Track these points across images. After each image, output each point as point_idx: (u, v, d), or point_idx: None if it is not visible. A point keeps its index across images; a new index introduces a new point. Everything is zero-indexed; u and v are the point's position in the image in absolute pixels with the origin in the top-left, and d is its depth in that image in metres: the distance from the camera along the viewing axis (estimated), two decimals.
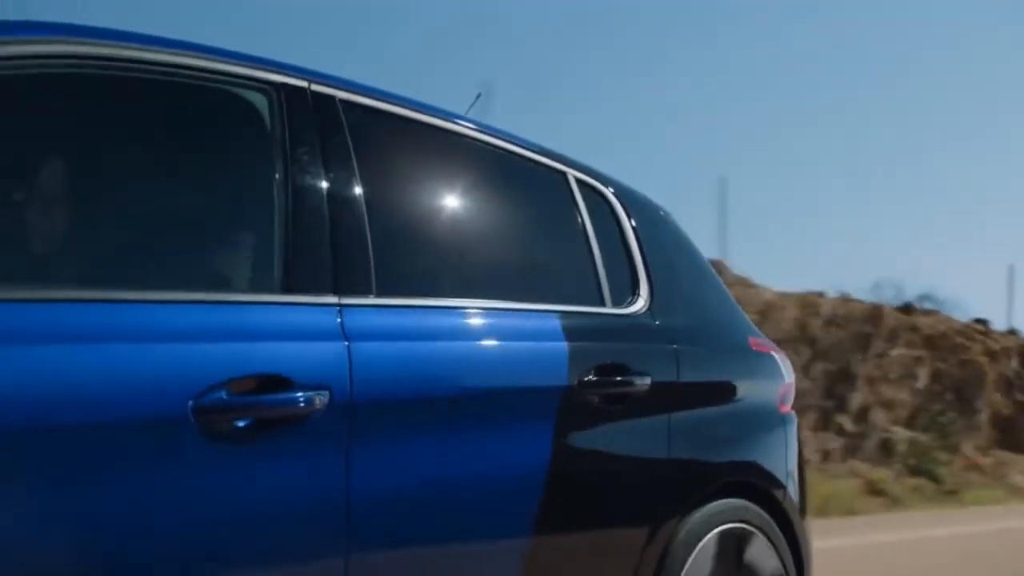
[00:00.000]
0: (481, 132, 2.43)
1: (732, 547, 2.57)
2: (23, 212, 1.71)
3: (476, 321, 2.16)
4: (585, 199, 2.61)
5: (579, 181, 2.64)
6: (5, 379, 1.47)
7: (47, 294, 1.58)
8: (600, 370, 2.32)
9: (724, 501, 2.57)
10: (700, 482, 2.52)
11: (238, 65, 1.98)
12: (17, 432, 1.47)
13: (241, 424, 1.69)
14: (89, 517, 1.53)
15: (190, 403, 1.63)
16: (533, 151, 2.55)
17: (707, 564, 2.49)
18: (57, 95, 1.76)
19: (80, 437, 1.52)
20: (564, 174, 2.61)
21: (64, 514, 1.50)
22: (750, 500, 2.65)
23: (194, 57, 1.91)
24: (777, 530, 2.71)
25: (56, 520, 1.50)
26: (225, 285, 1.88)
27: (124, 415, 1.57)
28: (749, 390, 2.80)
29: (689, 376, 2.57)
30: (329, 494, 1.79)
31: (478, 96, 2.91)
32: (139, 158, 1.86)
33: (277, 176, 1.94)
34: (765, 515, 2.68)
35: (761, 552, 2.65)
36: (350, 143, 2.08)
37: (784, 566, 2.71)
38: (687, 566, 2.44)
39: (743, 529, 2.60)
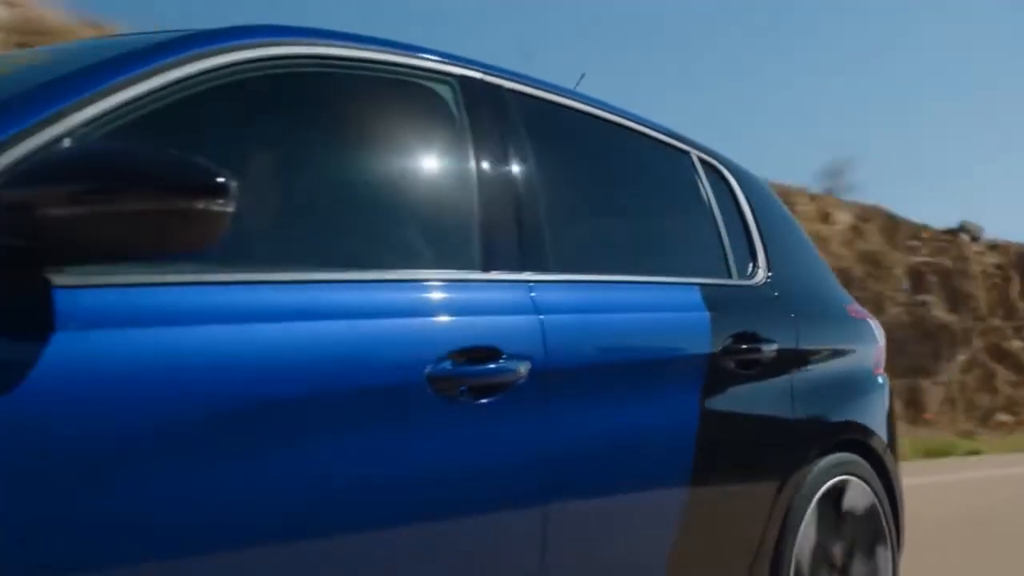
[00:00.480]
0: (622, 116, 2.61)
1: (844, 497, 2.80)
2: (276, 201, 1.89)
3: (634, 294, 2.36)
4: (708, 177, 2.81)
5: (701, 160, 2.83)
6: (285, 351, 1.66)
7: (311, 276, 1.77)
8: (735, 338, 2.53)
9: (836, 455, 2.79)
10: (818, 439, 2.75)
11: (426, 60, 2.15)
12: (290, 400, 1.65)
13: (463, 390, 1.89)
14: (350, 470, 1.72)
15: (425, 372, 1.83)
16: (664, 133, 2.74)
17: (824, 514, 2.72)
18: (288, 91, 1.94)
19: (341, 402, 1.72)
20: (688, 154, 2.81)
21: (332, 466, 1.69)
22: (856, 454, 2.88)
23: (392, 53, 2.08)
24: (879, 481, 2.94)
25: (324, 472, 1.68)
26: (441, 265, 2.06)
27: (376, 383, 1.76)
28: (853, 354, 3.03)
29: (806, 343, 2.78)
30: (531, 451, 2.00)
31: (582, 76, 3.09)
32: (360, 149, 2.04)
33: (467, 162, 2.12)
34: (869, 467, 2.91)
35: (867, 501, 2.89)
36: (519, 129, 2.26)
37: (884, 514, 2.95)
38: (807, 516, 2.67)
39: (852, 481, 2.83)
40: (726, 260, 2.73)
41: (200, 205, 1.43)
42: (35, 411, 1.36)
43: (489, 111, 2.21)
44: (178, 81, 1.68)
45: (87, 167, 1.41)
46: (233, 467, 1.56)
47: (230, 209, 1.46)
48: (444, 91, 2.18)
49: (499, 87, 2.28)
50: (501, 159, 2.18)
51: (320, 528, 1.67)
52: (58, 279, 1.42)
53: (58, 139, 1.50)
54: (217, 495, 1.54)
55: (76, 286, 1.44)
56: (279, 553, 1.62)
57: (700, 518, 2.37)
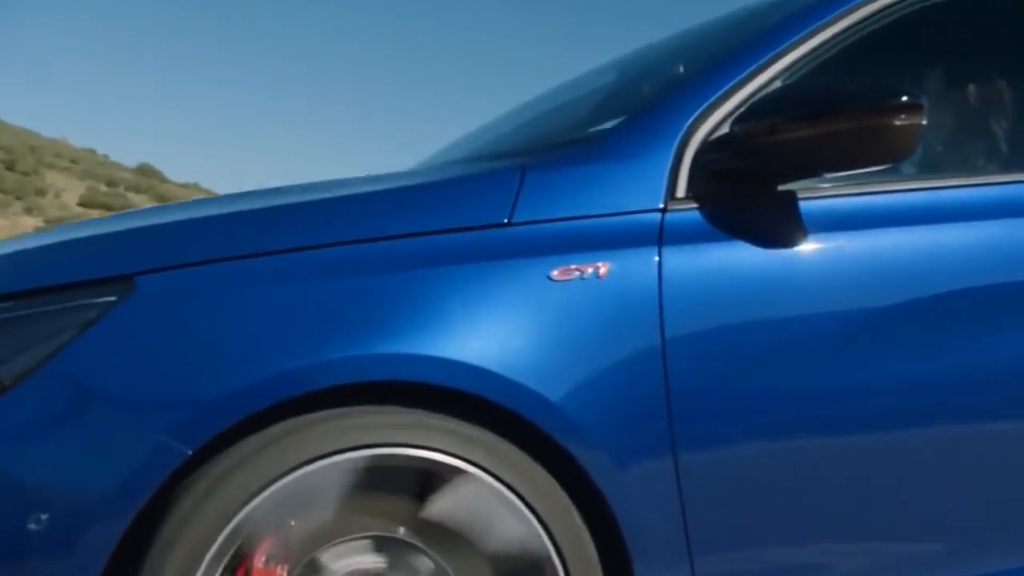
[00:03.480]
0: None
1: None
2: (955, 115, 2.17)
3: None
4: None
5: None
6: (971, 247, 1.89)
7: (983, 180, 2.00)
8: None
9: None
10: None
11: None
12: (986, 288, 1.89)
13: None
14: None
15: None
16: None
17: None
18: (935, 18, 2.11)
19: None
20: None
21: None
22: None
23: None
24: None
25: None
26: None
27: None
28: None
29: None
30: None
31: None
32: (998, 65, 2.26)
33: None
34: None
35: None
36: None
37: None
38: None
39: None
40: None
41: (896, 121, 1.67)
42: (754, 295, 1.73)
43: None
44: (859, 22, 1.97)
45: (796, 100, 1.75)
46: (926, 349, 1.81)
47: (922, 122, 1.69)
48: None
49: None
50: None
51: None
52: (798, 192, 1.78)
53: (768, 82, 1.85)
54: (912, 374, 1.80)
55: (806, 197, 1.80)
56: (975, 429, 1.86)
57: None
